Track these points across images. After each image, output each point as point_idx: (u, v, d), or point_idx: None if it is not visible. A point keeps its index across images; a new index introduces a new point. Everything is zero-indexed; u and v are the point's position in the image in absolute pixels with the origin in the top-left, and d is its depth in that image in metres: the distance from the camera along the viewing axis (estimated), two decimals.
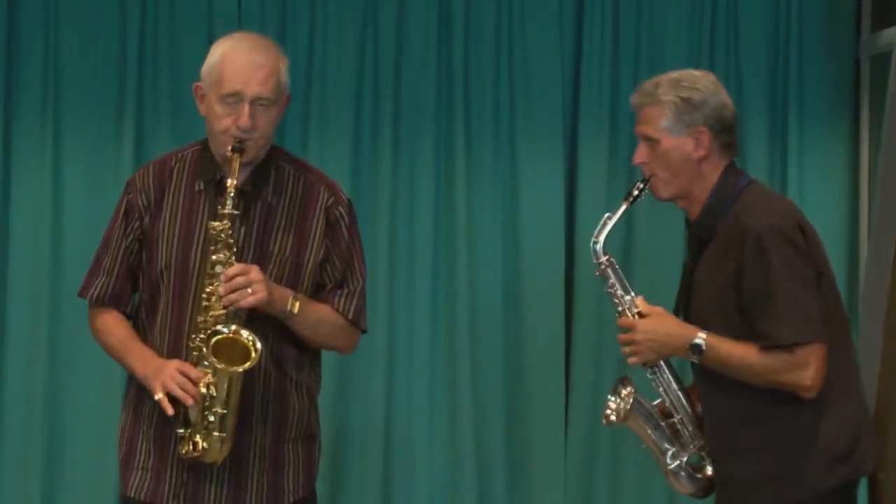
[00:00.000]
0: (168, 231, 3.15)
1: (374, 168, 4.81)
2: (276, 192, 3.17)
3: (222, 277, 3.01)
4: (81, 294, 3.26)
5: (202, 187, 3.16)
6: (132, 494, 3.17)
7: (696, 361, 3.10)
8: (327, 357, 4.64)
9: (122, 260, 3.20)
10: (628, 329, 3.13)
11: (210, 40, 4.66)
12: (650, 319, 3.13)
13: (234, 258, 3.04)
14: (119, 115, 4.71)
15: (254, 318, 3.08)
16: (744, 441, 3.13)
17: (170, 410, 3.02)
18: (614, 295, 3.17)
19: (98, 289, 3.21)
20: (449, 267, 4.81)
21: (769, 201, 3.21)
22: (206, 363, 3.01)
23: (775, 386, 3.06)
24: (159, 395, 3.02)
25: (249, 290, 3.00)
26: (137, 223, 3.18)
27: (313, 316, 3.15)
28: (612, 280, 3.17)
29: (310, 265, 3.17)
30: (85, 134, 4.70)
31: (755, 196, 3.18)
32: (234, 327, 3.02)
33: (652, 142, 3.15)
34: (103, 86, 4.71)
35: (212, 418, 3.01)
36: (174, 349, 3.12)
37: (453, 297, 4.80)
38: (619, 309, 3.17)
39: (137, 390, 3.18)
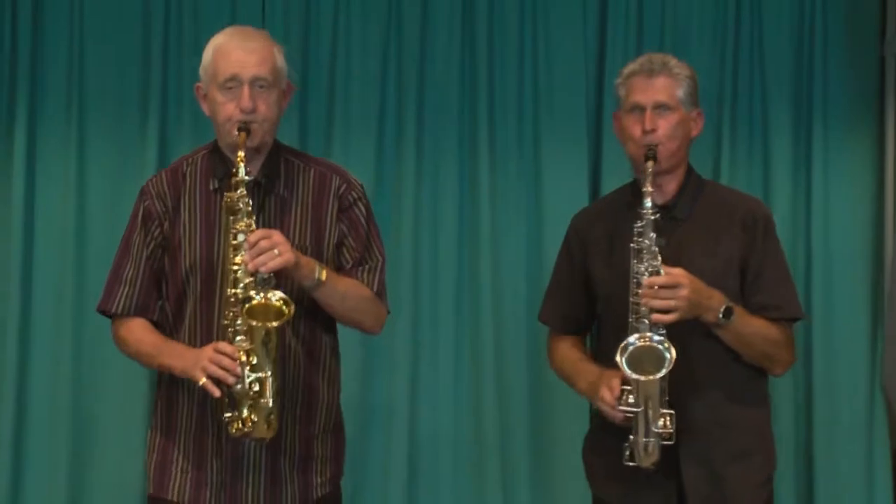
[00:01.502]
0: (189, 234, 3.16)
1: (397, 172, 4.81)
2: (288, 185, 3.18)
3: (246, 245, 2.99)
4: (102, 307, 3.24)
5: (217, 186, 3.16)
6: (174, 498, 3.16)
7: (719, 325, 3.11)
8: (350, 360, 4.72)
9: (145, 268, 3.19)
10: (673, 285, 3.06)
11: None
12: (688, 277, 3.09)
13: (254, 225, 3.03)
14: (143, 119, 4.73)
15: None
16: (731, 414, 3.21)
17: (216, 392, 2.99)
18: (648, 250, 3.11)
19: (122, 300, 3.19)
20: (473, 271, 4.81)
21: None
22: (240, 338, 2.99)
23: (769, 360, 3.24)
24: (203, 380, 2.99)
25: (276, 252, 2.98)
26: (158, 230, 3.18)
27: (340, 286, 3.14)
28: (652, 234, 3.12)
29: (329, 251, 3.18)
30: (109, 138, 4.72)
31: (723, 185, 3.49)
32: (263, 294, 2.99)
33: (665, 110, 3.21)
34: (127, 90, 4.73)
35: (257, 387, 2.98)
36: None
37: (477, 301, 4.79)
38: (654, 263, 3.09)
39: (166, 399, 3.19)
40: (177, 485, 3.16)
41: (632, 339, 3.09)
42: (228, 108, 3.09)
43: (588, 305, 3.37)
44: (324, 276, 3.07)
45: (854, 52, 4.89)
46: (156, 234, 3.19)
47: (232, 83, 3.08)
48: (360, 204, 3.23)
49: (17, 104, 4.72)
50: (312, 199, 3.19)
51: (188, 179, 3.20)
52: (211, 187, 3.17)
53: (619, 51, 4.83)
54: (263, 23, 4.78)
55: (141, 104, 4.73)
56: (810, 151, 4.86)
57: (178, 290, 3.17)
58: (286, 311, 2.99)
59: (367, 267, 3.21)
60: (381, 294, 3.23)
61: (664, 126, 3.20)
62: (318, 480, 3.21)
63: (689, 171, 3.32)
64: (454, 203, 4.81)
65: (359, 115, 4.80)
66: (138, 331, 3.19)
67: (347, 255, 3.21)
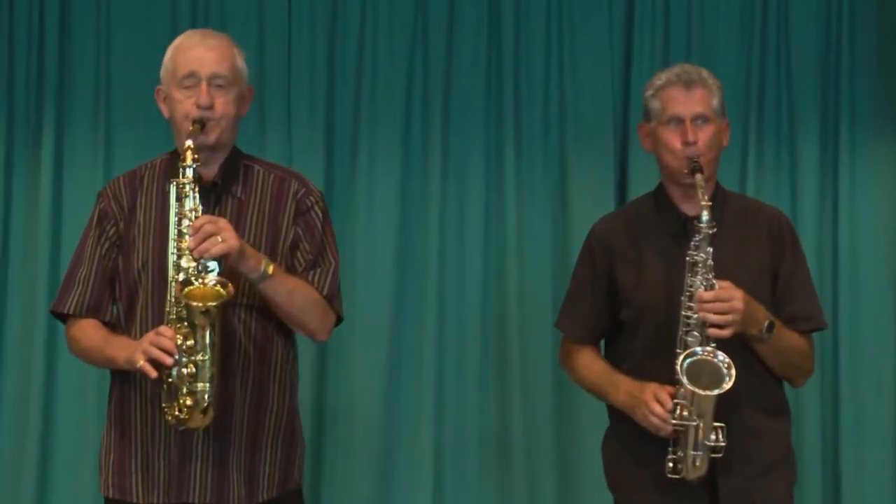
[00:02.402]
0: (143, 232, 3.15)
1: (423, 178, 4.81)
2: (246, 188, 3.17)
3: (190, 230, 2.98)
4: (56, 308, 3.21)
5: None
6: (135, 500, 3.13)
7: (761, 339, 3.12)
8: (377, 363, 4.71)
9: (98, 268, 3.17)
10: (728, 298, 3.05)
11: (261, 48, 4.74)
12: (740, 290, 3.08)
13: (200, 210, 3.02)
14: (170, 125, 4.72)
15: (238, 303, 3.06)
16: (763, 425, 3.21)
17: (153, 373, 2.96)
18: (703, 264, 3.09)
19: (75, 299, 3.17)
20: (499, 275, 4.80)
21: None
22: (180, 325, 2.97)
23: (797, 371, 3.27)
24: (141, 363, 2.96)
25: (220, 238, 2.95)
26: (113, 229, 3.17)
27: (288, 283, 3.10)
28: (709, 248, 3.10)
29: (283, 253, 3.16)
30: (136, 144, 4.71)
31: (741, 194, 3.53)
32: (201, 279, 2.97)
33: (703, 122, 3.20)
34: (154, 95, 4.73)
35: (193, 369, 2.96)
36: None
37: (503, 305, 4.79)
38: (708, 277, 3.08)
39: (119, 399, 3.16)
40: (138, 487, 3.13)
41: (697, 349, 3.07)
42: (186, 105, 3.10)
43: (609, 314, 3.34)
44: (271, 269, 3.04)
45: (882, 57, 4.86)
46: (110, 233, 3.18)
47: (190, 80, 3.10)
48: (316, 208, 3.22)
49: (44, 110, 4.75)
50: (270, 203, 3.18)
51: (145, 181, 3.20)
52: (167, 188, 3.14)
53: (645, 57, 4.82)
54: (290, 27, 4.81)
55: None
56: (837, 157, 4.84)
57: (129, 287, 3.14)
58: (223, 292, 2.96)
59: (318, 270, 3.19)
60: (331, 298, 3.20)
61: (703, 137, 3.19)
62: (265, 484, 3.16)
63: (717, 182, 3.31)
64: (480, 208, 4.81)
65: (385, 120, 4.81)
66: (89, 329, 3.17)
67: (301, 258, 3.18)
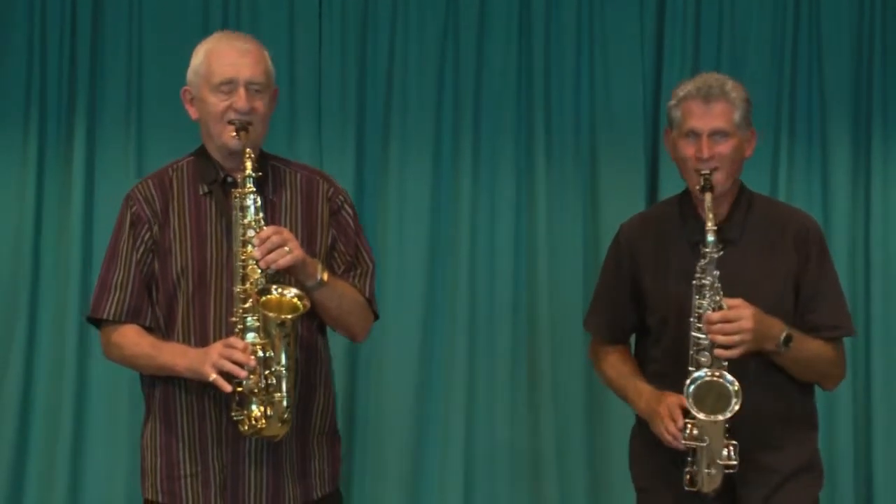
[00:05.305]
0: (180, 238, 3.12)
1: (454, 178, 4.82)
2: (276, 190, 3.17)
3: (256, 241, 2.97)
4: (94, 314, 3.16)
5: (206, 190, 3.14)
6: None
7: (779, 353, 3.10)
8: (407, 369, 4.72)
9: (135, 272, 3.13)
10: (737, 318, 3.04)
11: (291, 48, 4.74)
12: (750, 308, 3.06)
13: (263, 221, 3.02)
14: None
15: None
16: (786, 434, 3.19)
17: (227, 388, 2.95)
18: (711, 287, 3.07)
19: (114, 305, 3.13)
20: (530, 280, 4.81)
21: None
22: (251, 335, 2.97)
23: (822, 378, 3.24)
24: (213, 376, 2.95)
25: (286, 248, 2.97)
26: (147, 234, 3.14)
27: (339, 287, 3.12)
28: (716, 272, 3.07)
29: (321, 255, 3.16)
30: (168, 145, 4.71)
31: (769, 198, 3.43)
32: (279, 289, 2.98)
33: (722, 136, 3.15)
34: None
35: (273, 380, 2.96)
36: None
37: (534, 307, 4.79)
38: (716, 299, 3.06)
39: (163, 400, 3.14)
40: (188, 491, 3.11)
41: (700, 373, 3.06)
42: (221, 108, 3.09)
43: (634, 314, 3.34)
44: (325, 276, 3.06)
45: None
46: (145, 237, 3.14)
47: (227, 86, 3.08)
48: (346, 206, 3.23)
49: (76, 110, 4.77)
50: (302, 204, 3.18)
51: (175, 185, 3.17)
52: (200, 192, 3.14)
53: (675, 59, 4.83)
54: (320, 27, 4.82)
55: None
56: (869, 158, 4.83)
57: (168, 294, 3.12)
58: (301, 305, 2.98)
59: (358, 272, 3.21)
60: (371, 300, 3.22)
61: (720, 153, 3.15)
62: (317, 481, 3.18)
63: (741, 190, 3.27)
64: (511, 209, 4.82)
65: (415, 121, 4.82)
66: (133, 335, 3.13)
67: (339, 260, 3.19)
